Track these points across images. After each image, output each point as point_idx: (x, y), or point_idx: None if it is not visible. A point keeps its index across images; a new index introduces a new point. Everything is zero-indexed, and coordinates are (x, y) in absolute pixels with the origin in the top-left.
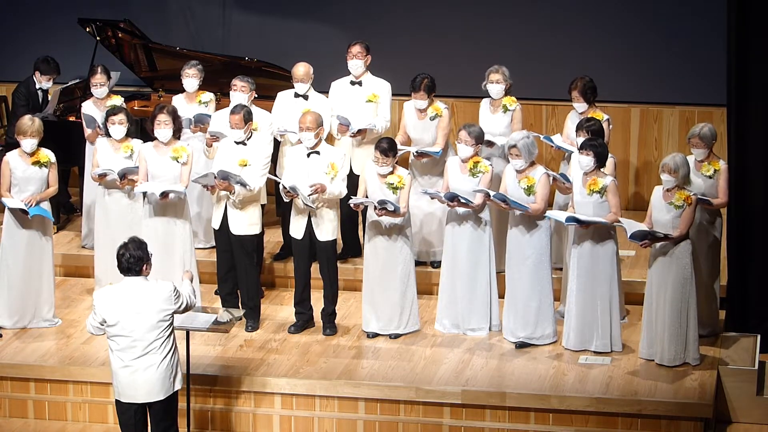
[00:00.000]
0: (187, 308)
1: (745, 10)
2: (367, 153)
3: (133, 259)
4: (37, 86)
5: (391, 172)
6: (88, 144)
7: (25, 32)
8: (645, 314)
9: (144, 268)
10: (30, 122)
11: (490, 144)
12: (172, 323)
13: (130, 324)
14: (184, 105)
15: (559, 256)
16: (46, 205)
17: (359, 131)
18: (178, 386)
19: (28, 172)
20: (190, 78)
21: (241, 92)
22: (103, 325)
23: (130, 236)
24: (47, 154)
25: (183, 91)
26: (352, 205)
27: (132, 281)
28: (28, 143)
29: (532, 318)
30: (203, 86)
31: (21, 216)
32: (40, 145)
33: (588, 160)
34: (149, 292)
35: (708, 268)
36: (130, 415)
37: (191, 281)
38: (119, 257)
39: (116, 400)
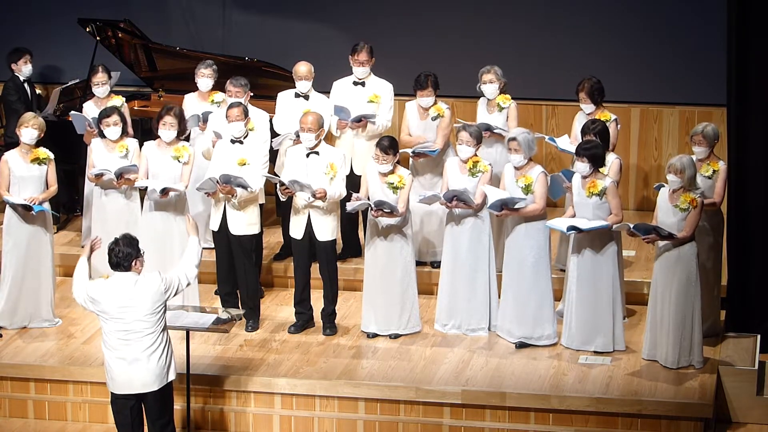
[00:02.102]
0: (178, 290)
1: (745, 10)
2: (368, 154)
3: (122, 254)
4: (22, 79)
5: (392, 172)
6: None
7: (25, 32)
8: (649, 315)
9: (134, 264)
10: (32, 115)
11: (489, 129)
12: (164, 313)
13: (123, 318)
14: (196, 104)
15: (562, 258)
16: (46, 204)
17: (359, 120)
18: (172, 377)
19: (27, 170)
20: (205, 78)
21: (236, 98)
22: (93, 311)
23: (121, 234)
24: (45, 152)
25: (184, 90)
26: (348, 209)
27: (121, 276)
28: (29, 133)
29: (531, 318)
30: None
31: (23, 213)
32: (40, 144)
33: (584, 167)
34: (138, 286)
35: (709, 268)
36: (126, 413)
37: (197, 236)
38: (109, 252)
39: (111, 395)
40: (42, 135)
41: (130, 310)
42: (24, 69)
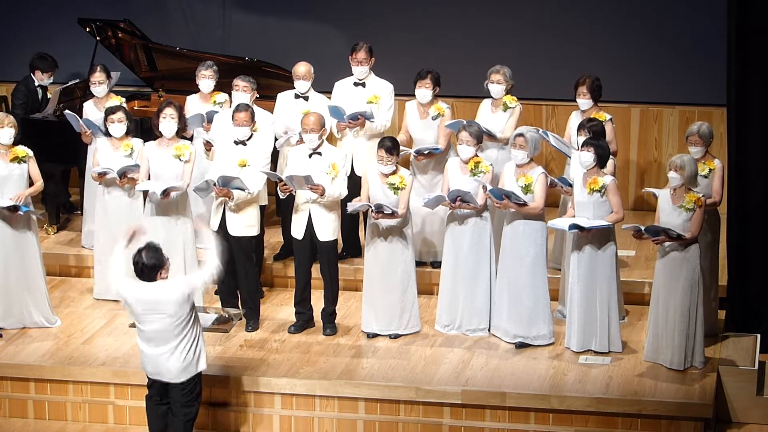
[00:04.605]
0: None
1: (745, 10)
2: (368, 154)
3: (147, 268)
4: (36, 84)
5: (394, 172)
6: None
7: (25, 32)
8: (651, 316)
9: (159, 274)
10: (3, 115)
11: (491, 136)
12: (191, 311)
13: (150, 320)
14: (199, 105)
15: (557, 257)
16: (31, 205)
17: (357, 119)
18: (201, 367)
19: (8, 169)
20: (206, 79)
21: (243, 92)
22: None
23: (147, 241)
24: (24, 149)
25: (184, 90)
26: (348, 210)
27: (147, 284)
28: (6, 133)
29: (527, 318)
30: None
31: (7, 215)
32: (33, 143)
33: (588, 157)
34: (164, 293)
35: (707, 268)
36: (154, 392)
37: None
38: (134, 263)
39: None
40: (17, 130)
41: (156, 314)
42: (46, 80)
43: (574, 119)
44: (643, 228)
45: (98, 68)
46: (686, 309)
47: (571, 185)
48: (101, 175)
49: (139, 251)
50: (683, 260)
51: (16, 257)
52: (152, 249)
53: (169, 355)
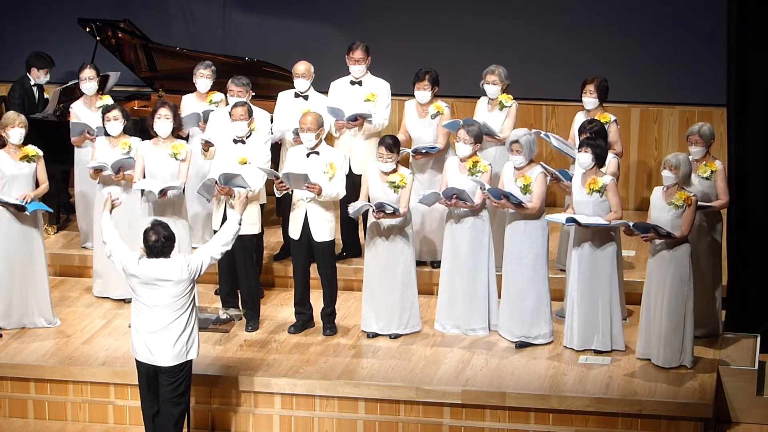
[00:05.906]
0: (203, 270)
1: (745, 10)
2: (366, 153)
3: (169, 240)
4: (33, 82)
5: (394, 171)
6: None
7: (25, 32)
8: (643, 314)
9: (173, 248)
10: (14, 114)
11: (491, 136)
12: (190, 292)
13: (148, 295)
14: (195, 104)
15: (562, 258)
16: (40, 202)
17: (356, 119)
18: (192, 355)
19: (17, 168)
20: (204, 78)
21: (238, 97)
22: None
23: (153, 220)
24: (34, 149)
25: (184, 90)
26: (350, 213)
27: (155, 261)
28: (17, 133)
29: (528, 317)
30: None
31: (14, 213)
32: (33, 143)
33: (587, 158)
34: (165, 270)
35: (709, 268)
36: (143, 379)
37: (240, 213)
38: (153, 243)
39: (135, 360)
40: (27, 129)
41: (154, 291)
42: (42, 78)
43: (578, 120)
44: (632, 224)
45: (87, 65)
46: (674, 307)
47: (570, 179)
48: (97, 172)
49: (153, 231)
50: (671, 259)
51: (21, 256)
52: (162, 224)
53: (162, 334)
